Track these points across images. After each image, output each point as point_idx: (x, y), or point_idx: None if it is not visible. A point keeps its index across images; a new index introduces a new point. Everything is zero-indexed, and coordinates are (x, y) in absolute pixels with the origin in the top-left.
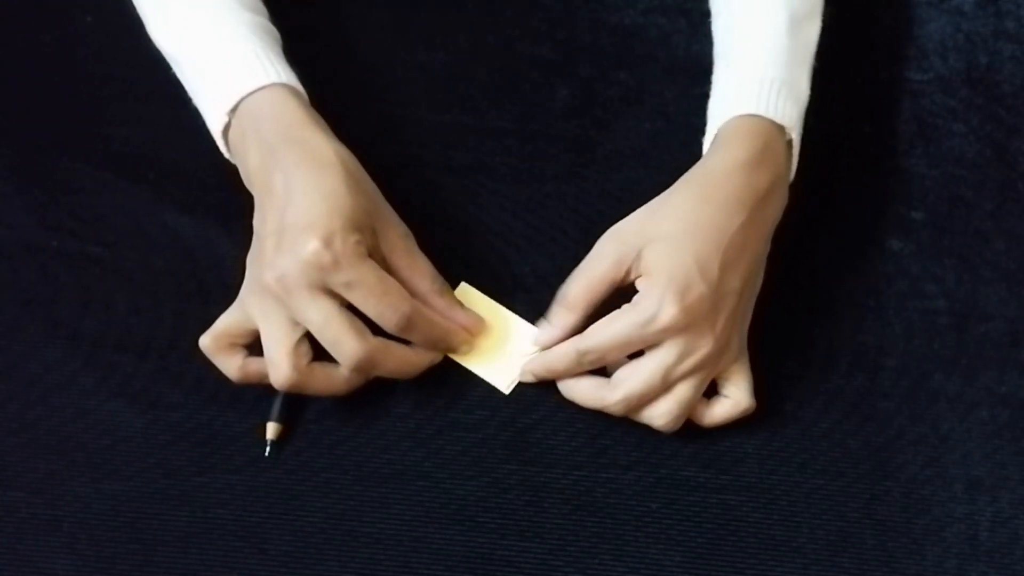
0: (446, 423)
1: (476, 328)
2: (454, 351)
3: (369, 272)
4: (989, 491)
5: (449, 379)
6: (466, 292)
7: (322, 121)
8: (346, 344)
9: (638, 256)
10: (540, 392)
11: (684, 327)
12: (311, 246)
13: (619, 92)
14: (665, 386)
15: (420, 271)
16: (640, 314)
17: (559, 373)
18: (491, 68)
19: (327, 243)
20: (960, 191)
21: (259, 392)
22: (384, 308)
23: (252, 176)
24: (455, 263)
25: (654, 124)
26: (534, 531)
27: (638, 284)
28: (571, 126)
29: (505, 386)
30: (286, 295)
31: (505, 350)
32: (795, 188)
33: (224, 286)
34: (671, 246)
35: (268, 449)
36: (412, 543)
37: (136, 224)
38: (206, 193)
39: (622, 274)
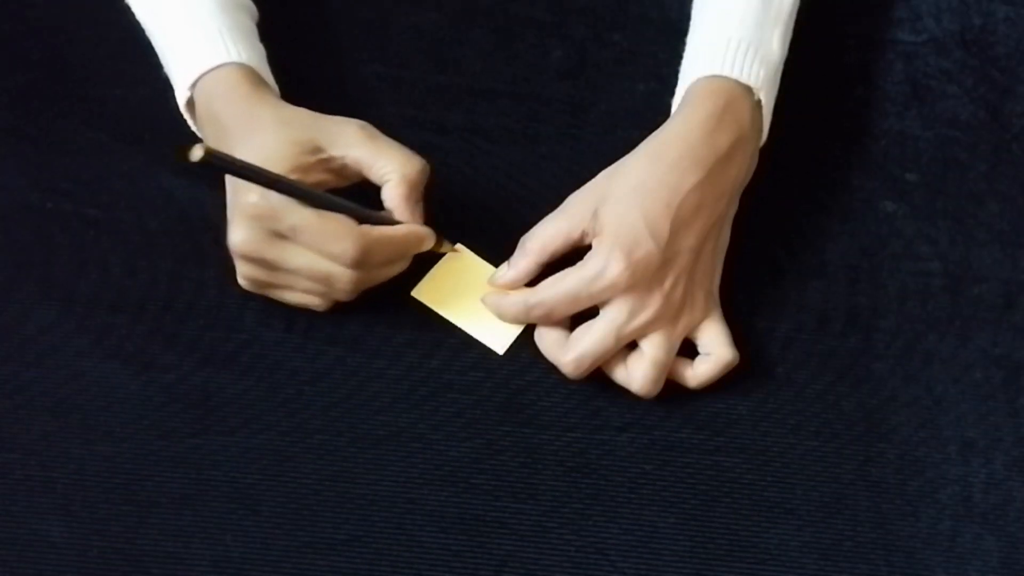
0: (440, 385)
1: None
2: (421, 251)
3: (308, 214)
4: (983, 453)
5: (443, 341)
6: (460, 253)
7: (267, 91)
8: (336, 247)
9: (594, 215)
10: (535, 354)
11: (631, 285)
12: (251, 199)
13: (613, 53)
14: (618, 346)
15: (384, 156)
16: (587, 271)
17: (508, 319)
18: (485, 29)
19: (264, 194)
20: (954, 153)
21: (254, 353)
22: (332, 246)
23: None
24: (449, 224)
25: (648, 85)
26: (528, 493)
27: (592, 244)
28: (565, 87)
29: (500, 347)
30: (259, 254)
31: None
32: (787, 150)
33: (219, 247)
34: (622, 206)
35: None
36: (406, 505)
37: (131, 186)
38: None
39: (578, 232)
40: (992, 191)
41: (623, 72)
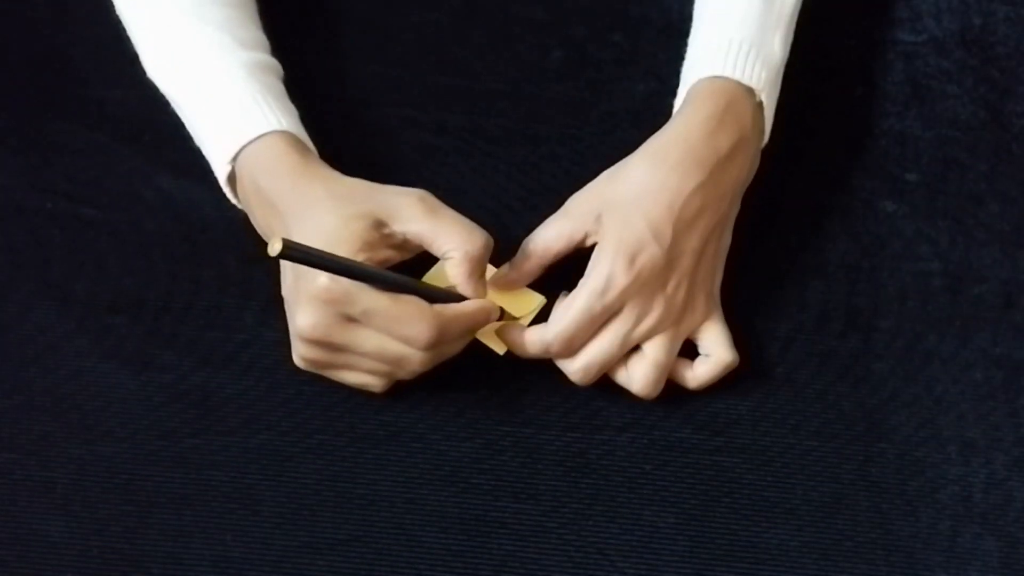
0: (440, 385)
1: (489, 304)
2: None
3: (381, 298)
4: (983, 453)
5: None
6: None
7: (314, 160)
8: (411, 330)
9: (597, 220)
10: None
11: (636, 290)
12: (321, 283)
13: (613, 54)
14: (623, 351)
15: (446, 232)
16: (595, 283)
17: (532, 355)
18: (485, 30)
19: (334, 278)
20: (954, 153)
21: (254, 353)
22: (407, 329)
23: (261, 231)
24: None
25: (648, 85)
26: (528, 493)
27: (595, 250)
28: (565, 88)
29: (500, 347)
30: (328, 338)
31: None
32: (787, 150)
33: (216, 249)
34: (624, 210)
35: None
36: (406, 505)
37: (129, 187)
38: (199, 156)
39: (580, 234)
40: (992, 191)
41: (623, 72)
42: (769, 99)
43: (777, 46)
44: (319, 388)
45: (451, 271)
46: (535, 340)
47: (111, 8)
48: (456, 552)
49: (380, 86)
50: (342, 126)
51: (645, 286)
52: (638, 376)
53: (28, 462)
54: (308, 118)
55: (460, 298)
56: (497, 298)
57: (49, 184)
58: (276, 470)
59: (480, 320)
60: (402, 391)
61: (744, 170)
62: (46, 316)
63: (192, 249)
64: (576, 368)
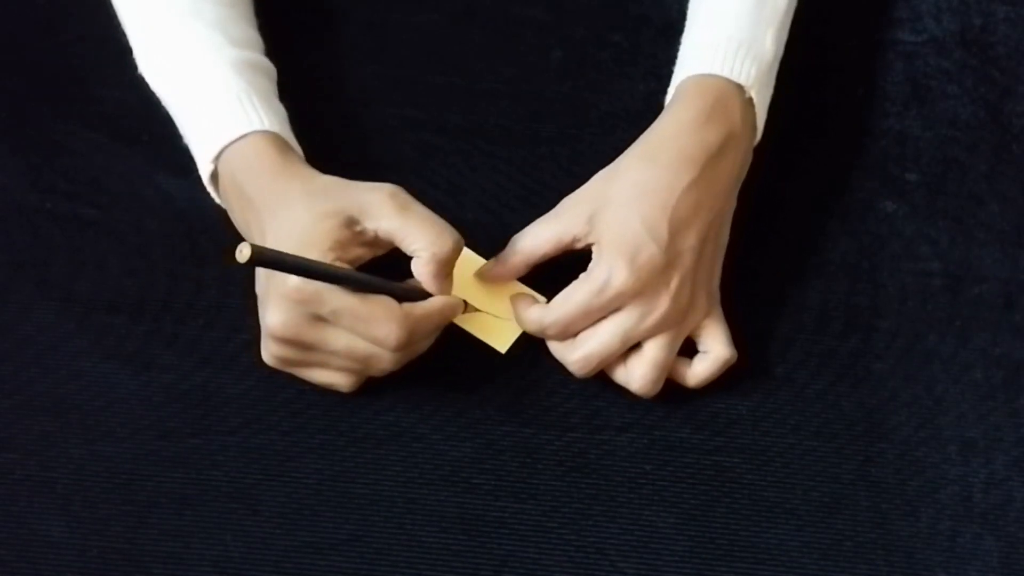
0: (441, 385)
1: (454, 303)
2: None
3: (351, 298)
4: (983, 452)
5: (445, 341)
6: (462, 254)
7: (294, 159)
8: (380, 331)
9: (589, 221)
10: (536, 354)
11: (639, 290)
12: (291, 282)
13: (613, 53)
14: (624, 347)
15: (416, 231)
16: (593, 283)
17: (527, 330)
18: (485, 30)
19: (305, 278)
20: (954, 153)
21: (256, 353)
22: (376, 330)
23: (240, 230)
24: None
25: (647, 85)
26: (528, 492)
27: (592, 251)
28: (565, 88)
29: (501, 346)
30: (297, 337)
31: (501, 311)
32: (787, 150)
33: (217, 248)
34: (618, 212)
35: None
36: (406, 504)
37: (130, 186)
38: None
39: (569, 237)
40: (992, 191)
41: (623, 72)
42: (760, 96)
43: (769, 43)
44: (320, 388)
45: (417, 270)
46: (534, 319)
47: (111, 8)
48: (456, 552)
49: (380, 86)
50: (342, 126)
51: (647, 286)
52: (637, 375)
53: (28, 462)
54: (308, 118)
55: (425, 295)
56: (487, 297)
57: (49, 184)
58: (276, 470)
59: (447, 317)
60: (402, 391)
61: (736, 166)
62: (46, 316)
63: (193, 249)
64: (575, 359)
